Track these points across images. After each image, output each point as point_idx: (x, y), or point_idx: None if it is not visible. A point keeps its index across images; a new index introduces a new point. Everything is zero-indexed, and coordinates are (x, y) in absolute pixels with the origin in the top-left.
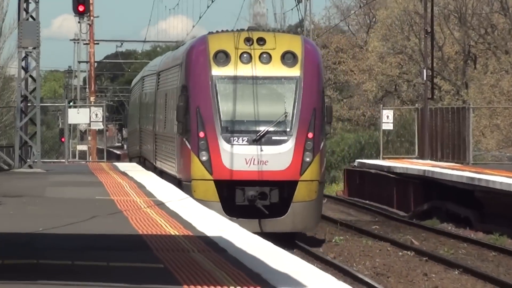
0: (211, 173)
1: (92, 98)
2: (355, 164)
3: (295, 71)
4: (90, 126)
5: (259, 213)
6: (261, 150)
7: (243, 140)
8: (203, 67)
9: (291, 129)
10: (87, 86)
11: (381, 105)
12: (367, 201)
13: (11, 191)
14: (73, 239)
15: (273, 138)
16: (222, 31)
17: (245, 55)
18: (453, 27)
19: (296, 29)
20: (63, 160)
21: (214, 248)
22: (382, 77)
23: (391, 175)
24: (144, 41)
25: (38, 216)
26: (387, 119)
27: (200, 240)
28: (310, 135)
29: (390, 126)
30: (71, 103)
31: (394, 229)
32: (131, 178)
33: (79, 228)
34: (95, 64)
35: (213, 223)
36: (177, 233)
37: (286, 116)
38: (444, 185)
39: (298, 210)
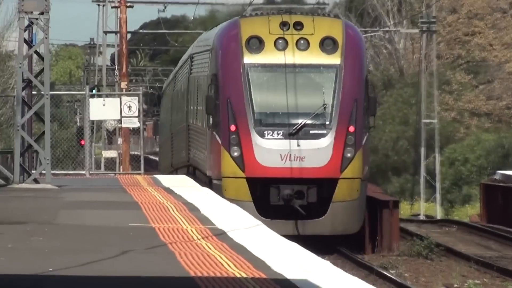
0: (243, 170)
1: (123, 84)
2: (496, 177)
3: (335, 59)
4: (121, 123)
5: (295, 214)
6: (298, 145)
7: (278, 134)
8: (235, 54)
9: (330, 122)
10: (117, 67)
11: None
12: None
13: (9, 215)
14: (96, 283)
15: (311, 132)
16: (256, 14)
17: (280, 41)
18: None
19: None
20: (83, 172)
21: None
22: None
23: None
24: (197, 3)
25: (47, 251)
26: None
27: (277, 285)
28: (351, 128)
29: None
30: (93, 91)
31: None
32: (178, 197)
33: (104, 268)
34: (128, 36)
35: (295, 260)
36: (245, 275)
37: (325, 108)
38: None
39: (338, 211)
